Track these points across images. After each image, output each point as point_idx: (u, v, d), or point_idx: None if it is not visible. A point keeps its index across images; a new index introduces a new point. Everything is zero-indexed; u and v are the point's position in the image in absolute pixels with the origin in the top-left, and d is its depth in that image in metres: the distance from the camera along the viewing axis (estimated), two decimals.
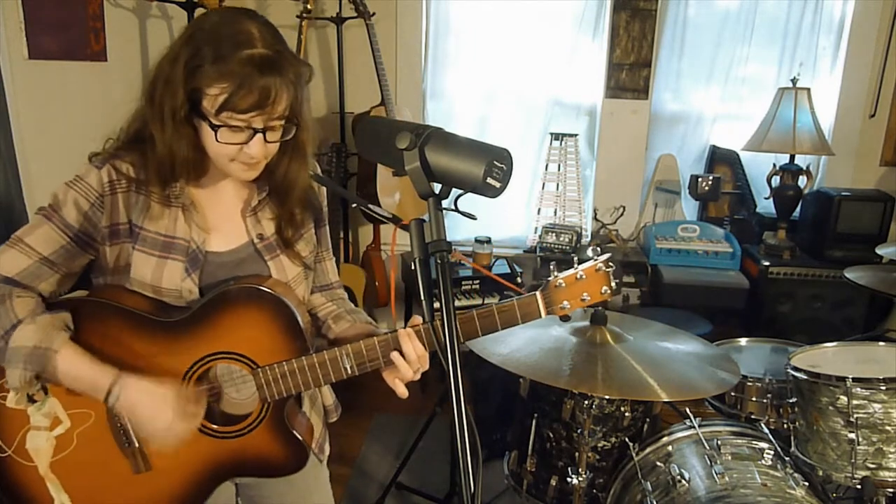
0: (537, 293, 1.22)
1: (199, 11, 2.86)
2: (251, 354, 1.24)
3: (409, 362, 1.22)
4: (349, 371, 1.25)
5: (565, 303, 1.22)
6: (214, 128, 1.11)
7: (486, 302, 3.02)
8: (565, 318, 1.24)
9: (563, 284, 1.21)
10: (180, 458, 1.27)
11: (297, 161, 1.27)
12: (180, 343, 1.23)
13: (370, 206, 1.40)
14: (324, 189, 1.41)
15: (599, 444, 1.96)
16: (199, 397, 1.24)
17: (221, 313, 1.22)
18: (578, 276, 1.21)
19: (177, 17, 3.16)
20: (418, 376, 1.26)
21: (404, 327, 1.24)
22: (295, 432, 1.30)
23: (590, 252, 1.24)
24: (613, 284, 1.22)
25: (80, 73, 2.63)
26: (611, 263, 1.21)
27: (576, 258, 1.24)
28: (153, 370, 1.21)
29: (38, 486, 1.26)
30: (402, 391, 1.27)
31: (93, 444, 1.25)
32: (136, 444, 1.26)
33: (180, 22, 3.05)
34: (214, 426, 1.27)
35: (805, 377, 1.89)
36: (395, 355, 1.22)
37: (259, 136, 1.14)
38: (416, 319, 1.24)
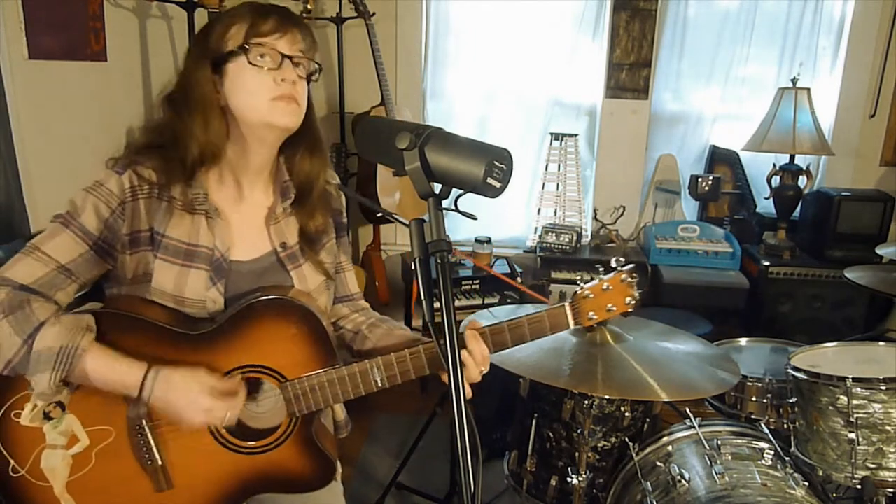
0: (566, 304, 1.25)
1: (199, 11, 2.86)
2: (279, 367, 1.21)
3: (476, 362, 1.19)
4: (379, 383, 1.21)
5: (592, 313, 1.24)
6: (245, 50, 1.13)
7: (485, 302, 3.02)
8: (590, 329, 1.30)
9: (591, 295, 1.24)
10: (203, 474, 1.23)
11: (316, 157, 1.28)
12: (206, 356, 1.18)
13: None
14: (344, 199, 1.40)
15: (599, 444, 1.96)
16: (237, 384, 1.19)
17: (248, 326, 1.19)
18: (605, 287, 1.24)
19: (177, 17, 3.16)
20: (479, 378, 1.23)
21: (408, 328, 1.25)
22: (323, 448, 1.26)
23: (613, 263, 1.27)
24: (637, 294, 1.25)
25: (80, 73, 2.63)
26: (634, 274, 1.25)
27: (601, 268, 1.27)
28: None
29: None
30: (467, 391, 1.21)
31: (112, 462, 1.21)
32: (159, 462, 1.22)
33: (180, 22, 3.05)
34: (238, 441, 1.24)
35: (805, 377, 1.89)
36: (463, 353, 1.18)
37: (288, 62, 1.15)
38: (476, 322, 1.24)
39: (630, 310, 1.26)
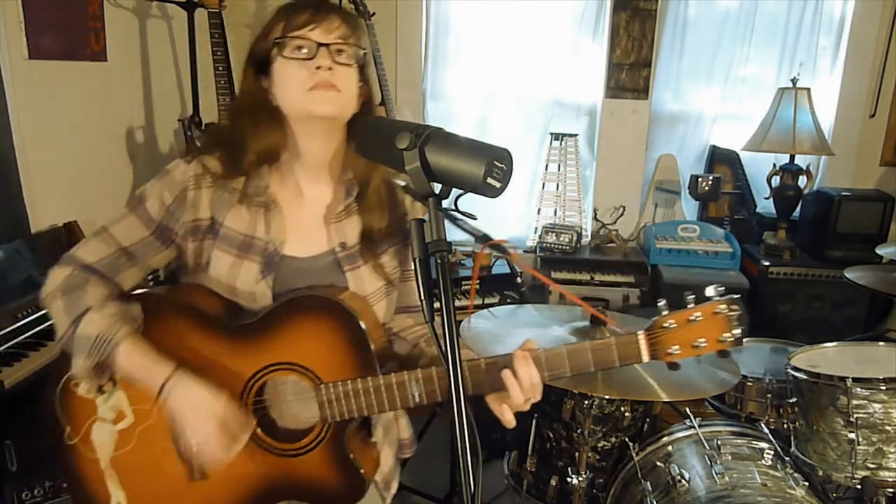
0: (640, 333, 1.08)
1: (199, 11, 2.86)
2: (316, 368, 1.17)
3: (522, 388, 1.08)
4: (416, 398, 1.14)
5: (675, 347, 1.06)
6: (280, 46, 1.14)
7: (485, 302, 3.02)
8: (674, 367, 1.08)
9: (673, 325, 1.06)
10: (235, 470, 1.21)
11: None
12: (245, 349, 1.18)
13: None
14: (417, 206, 1.33)
15: (599, 444, 1.96)
16: (247, 424, 1.17)
17: (288, 321, 1.17)
18: (692, 318, 1.05)
19: (177, 17, 3.16)
20: (527, 406, 1.12)
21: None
22: (354, 460, 1.21)
23: (711, 291, 1.06)
24: (738, 332, 1.06)
25: (80, 73, 2.63)
26: (735, 306, 1.05)
27: (692, 297, 1.07)
28: (215, 375, 1.17)
29: (98, 481, 1.24)
30: (510, 419, 1.12)
31: (152, 443, 1.22)
32: (193, 450, 1.20)
33: (180, 22, 3.05)
34: (271, 441, 1.21)
35: (805, 377, 1.89)
36: (506, 374, 1.09)
37: (324, 49, 1.14)
38: (531, 343, 1.14)
39: (727, 349, 1.06)
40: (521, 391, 1.08)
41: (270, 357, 1.18)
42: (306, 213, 1.25)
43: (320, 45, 1.14)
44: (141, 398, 1.20)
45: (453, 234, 0.96)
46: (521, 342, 1.14)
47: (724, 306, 1.05)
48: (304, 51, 1.14)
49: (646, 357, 1.07)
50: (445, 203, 0.94)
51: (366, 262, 1.25)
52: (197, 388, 1.13)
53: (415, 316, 1.38)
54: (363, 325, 1.16)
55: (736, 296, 1.05)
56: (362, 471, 1.21)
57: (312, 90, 1.14)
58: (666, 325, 1.06)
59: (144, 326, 1.17)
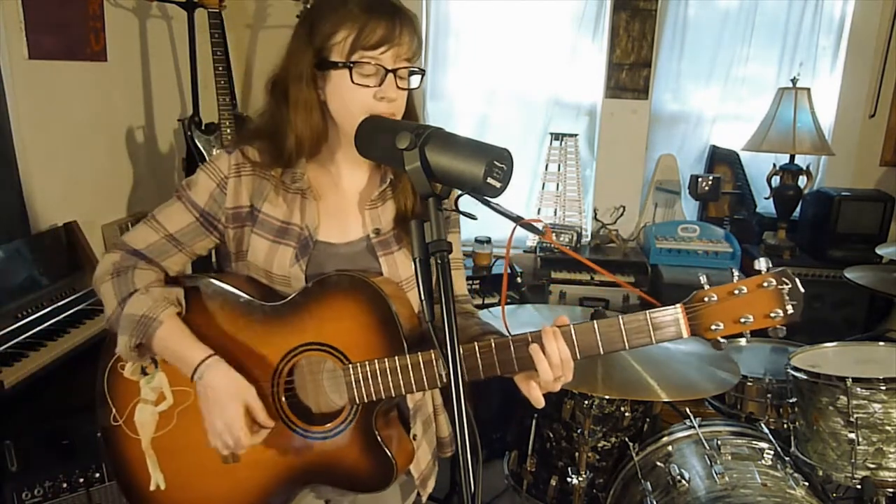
0: (679, 306, 1.00)
1: (199, 11, 2.86)
2: (344, 348, 1.18)
3: (551, 365, 1.05)
4: (444, 378, 1.11)
5: (718, 324, 0.97)
6: (349, 67, 1.11)
7: (485, 302, 3.02)
8: (716, 346, 0.99)
9: (714, 298, 0.98)
10: (268, 454, 1.23)
11: None
12: (277, 331, 1.21)
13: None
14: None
15: (599, 444, 1.96)
16: (268, 419, 1.18)
17: (317, 302, 1.19)
18: (736, 292, 0.97)
19: (177, 17, 3.16)
20: (558, 386, 1.09)
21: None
22: (382, 444, 1.19)
23: (760, 264, 0.98)
24: (790, 308, 0.95)
25: (80, 73, 2.63)
26: (785, 279, 0.96)
27: (735, 271, 0.99)
28: (249, 358, 1.21)
29: (139, 461, 1.27)
30: (538, 398, 1.10)
31: (190, 425, 1.24)
32: None
33: (180, 22, 3.05)
34: (302, 423, 1.23)
35: (805, 377, 1.89)
36: (535, 349, 1.05)
37: (391, 76, 1.13)
38: (563, 319, 1.08)
39: (777, 326, 0.96)
40: (549, 367, 1.05)
41: (300, 338, 1.19)
42: (343, 200, 1.27)
43: (388, 71, 1.12)
44: (180, 380, 1.23)
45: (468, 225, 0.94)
46: (555, 319, 1.10)
47: (772, 280, 0.96)
48: (372, 78, 1.12)
49: (685, 332, 0.99)
50: (446, 203, 0.94)
51: (400, 247, 1.26)
52: (228, 372, 1.16)
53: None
54: (391, 304, 1.15)
55: (783, 268, 0.97)
56: (391, 455, 1.19)
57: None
58: (706, 298, 0.98)
59: (186, 311, 1.22)
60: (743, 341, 2.50)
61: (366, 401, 1.17)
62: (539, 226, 1.03)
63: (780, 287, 0.97)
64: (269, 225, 1.23)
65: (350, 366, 1.17)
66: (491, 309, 2.23)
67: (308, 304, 1.19)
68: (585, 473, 1.92)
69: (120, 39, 2.85)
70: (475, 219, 1.02)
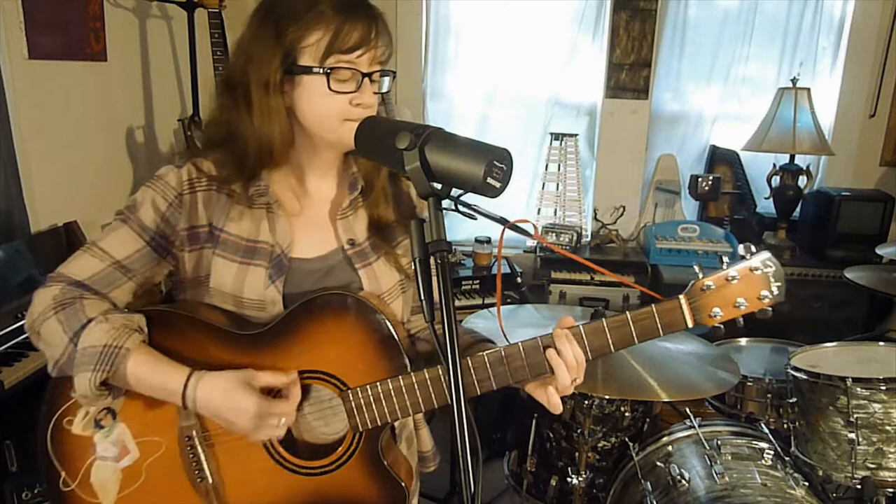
0: (681, 297, 1.03)
1: (199, 11, 2.86)
2: (340, 374, 1.09)
3: (568, 368, 1.04)
4: None
5: (716, 310, 1.02)
6: (326, 73, 1.03)
7: (486, 302, 3.02)
8: (717, 330, 1.04)
9: (712, 286, 1.02)
10: (258, 497, 1.12)
11: None
12: (260, 362, 1.09)
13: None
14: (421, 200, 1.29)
15: (599, 444, 1.96)
16: (291, 382, 1.09)
17: (306, 326, 1.08)
18: (730, 277, 1.01)
19: (177, 17, 3.16)
20: (572, 389, 1.08)
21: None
22: (391, 470, 1.12)
23: (741, 250, 1.03)
24: (775, 289, 1.01)
25: (80, 73, 2.63)
26: (769, 263, 1.01)
27: (725, 258, 1.04)
28: None
29: None
30: (557, 403, 1.09)
31: (162, 478, 1.12)
32: (210, 480, 1.12)
33: (180, 22, 3.05)
34: (296, 460, 1.12)
35: (805, 377, 1.89)
36: (551, 354, 1.04)
37: (367, 81, 1.06)
38: (568, 320, 1.08)
39: (766, 308, 1.02)
40: (567, 371, 1.04)
41: (287, 366, 1.09)
42: (312, 211, 1.18)
43: (365, 75, 1.06)
44: (147, 428, 1.11)
45: (457, 230, 0.95)
46: (559, 320, 1.09)
47: (759, 263, 1.01)
48: (349, 84, 1.05)
49: (689, 321, 1.03)
50: (446, 202, 0.94)
51: (378, 256, 1.19)
52: (219, 377, 1.05)
53: None
54: (388, 321, 1.08)
55: (768, 253, 1.02)
56: (400, 480, 1.12)
57: (346, 121, 1.07)
58: (705, 286, 1.02)
59: (150, 340, 1.09)
60: (743, 341, 2.50)
61: (369, 427, 1.09)
62: (527, 226, 1.03)
63: (765, 270, 1.02)
64: (234, 245, 1.11)
65: (349, 391, 1.09)
66: (491, 309, 2.23)
67: (294, 329, 1.08)
68: (585, 473, 1.92)
69: (120, 39, 2.85)
70: (475, 219, 1.02)
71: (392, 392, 1.08)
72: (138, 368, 1.04)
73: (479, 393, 1.08)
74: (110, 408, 1.11)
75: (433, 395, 1.07)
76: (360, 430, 1.10)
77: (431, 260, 0.90)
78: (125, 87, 2.94)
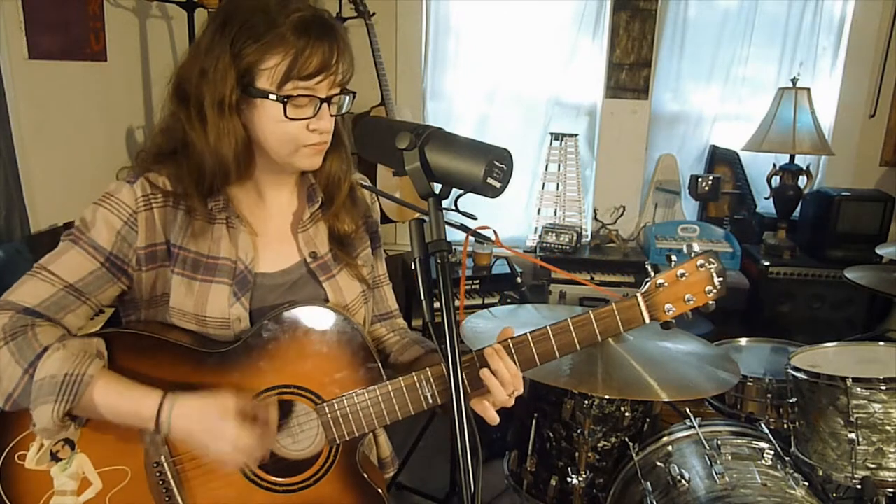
0: (638, 295, 1.10)
1: (199, 11, 2.86)
2: (314, 387, 1.07)
3: (502, 383, 1.06)
4: (430, 400, 1.07)
5: (669, 306, 1.09)
6: (283, 101, 1.00)
7: (486, 302, 3.02)
8: (667, 326, 1.11)
9: (665, 284, 1.09)
10: None
11: (340, 156, 1.16)
12: (230, 379, 1.05)
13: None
14: (377, 205, 1.28)
15: (599, 444, 1.96)
16: (268, 406, 1.06)
17: (276, 340, 1.06)
18: (679, 275, 1.08)
19: (177, 17, 3.16)
20: (512, 401, 1.09)
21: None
22: (370, 482, 1.11)
23: (685, 249, 1.12)
24: (718, 283, 1.09)
25: (80, 73, 2.63)
26: (712, 259, 1.09)
27: (673, 257, 1.11)
28: None
29: None
30: (493, 416, 1.09)
31: None
32: None
33: (180, 22, 3.05)
34: (272, 477, 1.09)
35: (805, 377, 1.89)
36: (485, 373, 1.05)
37: (325, 106, 1.03)
38: (508, 331, 1.11)
39: (711, 301, 1.09)
40: (501, 387, 1.06)
41: (260, 384, 1.07)
42: (272, 225, 1.15)
43: (323, 100, 1.03)
44: (109, 457, 1.05)
45: (457, 230, 0.95)
46: (501, 332, 1.12)
47: (702, 261, 1.09)
48: (307, 109, 1.03)
49: (647, 318, 1.10)
50: (446, 203, 0.94)
51: (341, 267, 1.18)
52: (195, 399, 1.01)
53: (386, 324, 1.33)
54: (361, 330, 1.07)
55: (708, 250, 1.11)
56: (380, 491, 1.12)
57: (304, 148, 1.06)
58: (658, 283, 1.10)
59: (110, 364, 1.02)
60: (743, 341, 2.50)
61: (347, 439, 1.08)
62: (488, 232, 1.05)
63: (709, 266, 1.09)
64: (194, 262, 1.07)
65: (325, 405, 1.07)
66: (491, 309, 2.23)
67: (263, 344, 1.05)
68: (585, 473, 1.92)
69: (120, 39, 2.85)
70: (475, 218, 1.02)
71: (369, 402, 1.07)
72: (105, 395, 0.98)
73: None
74: (68, 439, 1.04)
75: (409, 403, 1.08)
76: (338, 442, 1.09)
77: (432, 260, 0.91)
78: (125, 87, 2.94)
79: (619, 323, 1.09)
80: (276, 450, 1.10)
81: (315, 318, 1.07)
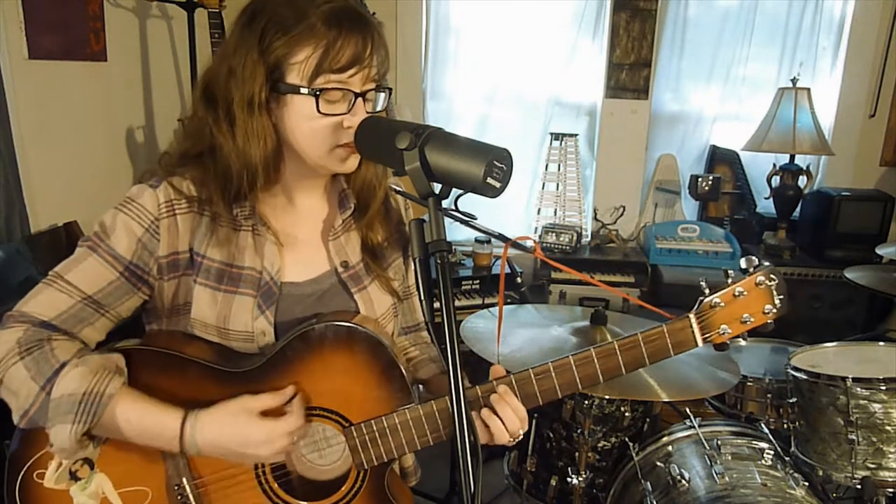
0: (691, 315, 1.02)
1: (199, 11, 2.86)
2: (341, 409, 1.03)
3: (509, 430, 1.00)
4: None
5: (724, 327, 1.01)
6: (315, 94, 0.95)
7: (485, 302, 3.02)
8: (721, 348, 1.03)
9: (721, 304, 1.01)
10: None
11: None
12: None
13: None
14: (410, 212, 1.23)
15: (599, 444, 1.96)
16: (290, 391, 1.03)
17: (302, 359, 1.01)
18: (737, 293, 1.00)
19: (177, 18, 3.16)
20: (513, 442, 1.04)
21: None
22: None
23: (743, 263, 1.02)
24: (778, 301, 1.01)
25: (80, 73, 2.63)
26: (773, 276, 1.01)
27: (730, 272, 1.03)
28: None
29: None
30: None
31: None
32: None
33: (180, 22, 3.05)
34: (298, 501, 1.06)
35: (805, 377, 1.89)
36: (491, 419, 1.00)
37: (360, 101, 0.98)
38: (499, 370, 1.05)
39: (770, 321, 1.02)
40: (505, 435, 1.00)
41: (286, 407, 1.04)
42: (302, 232, 1.10)
43: (358, 95, 0.99)
44: (130, 477, 1.02)
45: (457, 230, 0.96)
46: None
47: (762, 277, 1.01)
48: (340, 105, 0.98)
49: (699, 341, 1.02)
50: (446, 203, 0.94)
51: (373, 279, 1.13)
52: (217, 411, 0.98)
53: (411, 337, 1.29)
54: (392, 350, 1.02)
55: (769, 265, 1.02)
56: None
57: (338, 148, 1.01)
58: (713, 303, 1.01)
59: (130, 381, 0.99)
60: (743, 341, 2.50)
61: (375, 464, 1.04)
62: (528, 243, 1.03)
63: (769, 283, 1.02)
64: (217, 272, 1.02)
65: (353, 428, 1.03)
66: (491, 309, 2.23)
67: (289, 364, 1.01)
68: (585, 473, 1.92)
69: (120, 39, 2.85)
70: (475, 218, 1.02)
71: (399, 426, 1.02)
72: (126, 415, 0.95)
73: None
74: (88, 458, 1.01)
75: (441, 427, 1.03)
76: (366, 467, 1.05)
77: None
78: (125, 87, 2.94)
79: (670, 346, 1.01)
80: (298, 472, 1.07)
81: (344, 335, 1.02)
